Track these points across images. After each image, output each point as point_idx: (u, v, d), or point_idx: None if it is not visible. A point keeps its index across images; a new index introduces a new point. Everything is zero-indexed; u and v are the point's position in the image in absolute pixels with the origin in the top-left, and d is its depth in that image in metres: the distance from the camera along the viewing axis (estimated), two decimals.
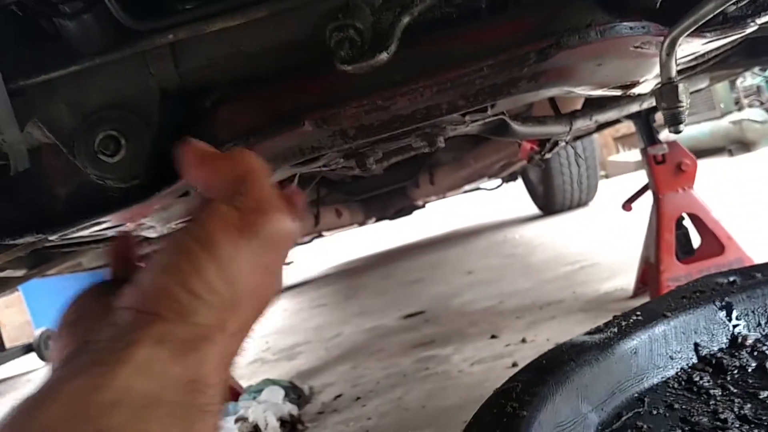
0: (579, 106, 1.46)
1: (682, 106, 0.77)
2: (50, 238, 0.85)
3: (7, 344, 5.85)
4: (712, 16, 0.75)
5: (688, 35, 0.77)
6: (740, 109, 6.33)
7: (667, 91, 0.77)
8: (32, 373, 5.34)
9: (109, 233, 0.98)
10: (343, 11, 0.70)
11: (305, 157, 0.81)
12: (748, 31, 0.85)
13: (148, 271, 0.47)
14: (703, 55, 1.04)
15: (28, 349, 5.61)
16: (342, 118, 0.73)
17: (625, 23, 0.74)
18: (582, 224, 4.30)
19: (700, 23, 0.74)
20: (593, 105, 1.30)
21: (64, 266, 1.61)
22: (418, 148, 1.01)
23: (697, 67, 1.11)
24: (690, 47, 0.88)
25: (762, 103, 6.32)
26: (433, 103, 0.75)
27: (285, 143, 0.79)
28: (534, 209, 5.47)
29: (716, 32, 0.83)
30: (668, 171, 1.87)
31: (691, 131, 6.25)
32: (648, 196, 2.04)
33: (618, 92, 0.97)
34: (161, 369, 0.41)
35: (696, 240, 1.98)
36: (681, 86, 0.77)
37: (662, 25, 0.77)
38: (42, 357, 5.64)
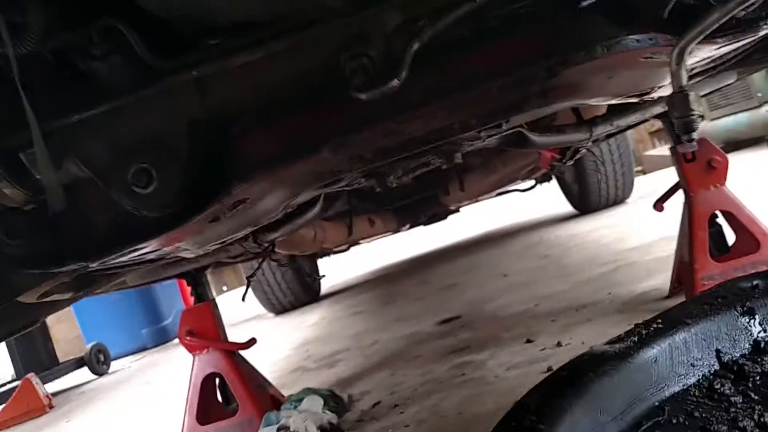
0: (603, 111, 1.46)
1: (695, 115, 0.77)
2: (91, 265, 0.90)
3: (60, 359, 6.04)
4: (720, 23, 0.75)
5: (699, 43, 0.78)
6: None
7: (678, 99, 0.77)
8: (85, 386, 5.51)
9: (149, 257, 1.03)
10: (357, 40, 0.73)
11: (326, 180, 0.84)
12: (762, 33, 0.85)
13: None
14: (721, 56, 1.04)
15: (80, 363, 5.79)
16: (358, 143, 0.76)
17: (631, 36, 0.75)
18: (618, 222, 4.24)
19: (709, 32, 0.75)
20: (615, 110, 1.30)
21: (109, 285, 1.67)
22: (436, 164, 1.03)
23: (716, 68, 1.10)
24: (703, 53, 0.88)
25: None
26: (445, 124, 0.77)
27: (307, 169, 0.82)
28: (570, 208, 5.41)
29: (728, 37, 0.83)
30: (699, 168, 1.85)
31: (728, 122, 6.08)
32: (681, 194, 2.01)
33: (635, 99, 0.97)
34: None
35: (731, 237, 1.95)
36: (692, 94, 0.77)
37: (671, 35, 0.78)
38: (93, 370, 5.82)
